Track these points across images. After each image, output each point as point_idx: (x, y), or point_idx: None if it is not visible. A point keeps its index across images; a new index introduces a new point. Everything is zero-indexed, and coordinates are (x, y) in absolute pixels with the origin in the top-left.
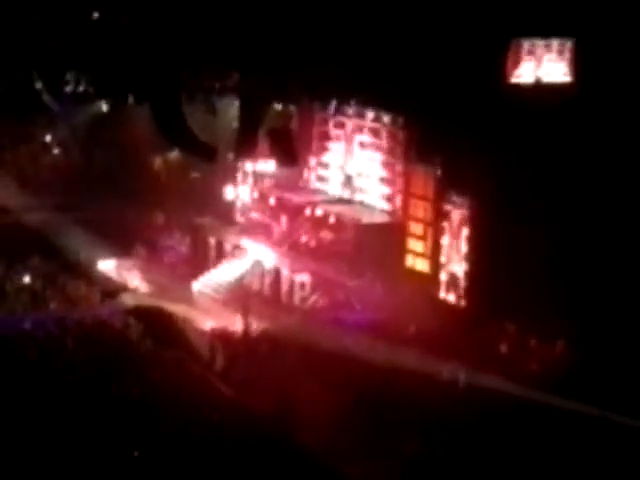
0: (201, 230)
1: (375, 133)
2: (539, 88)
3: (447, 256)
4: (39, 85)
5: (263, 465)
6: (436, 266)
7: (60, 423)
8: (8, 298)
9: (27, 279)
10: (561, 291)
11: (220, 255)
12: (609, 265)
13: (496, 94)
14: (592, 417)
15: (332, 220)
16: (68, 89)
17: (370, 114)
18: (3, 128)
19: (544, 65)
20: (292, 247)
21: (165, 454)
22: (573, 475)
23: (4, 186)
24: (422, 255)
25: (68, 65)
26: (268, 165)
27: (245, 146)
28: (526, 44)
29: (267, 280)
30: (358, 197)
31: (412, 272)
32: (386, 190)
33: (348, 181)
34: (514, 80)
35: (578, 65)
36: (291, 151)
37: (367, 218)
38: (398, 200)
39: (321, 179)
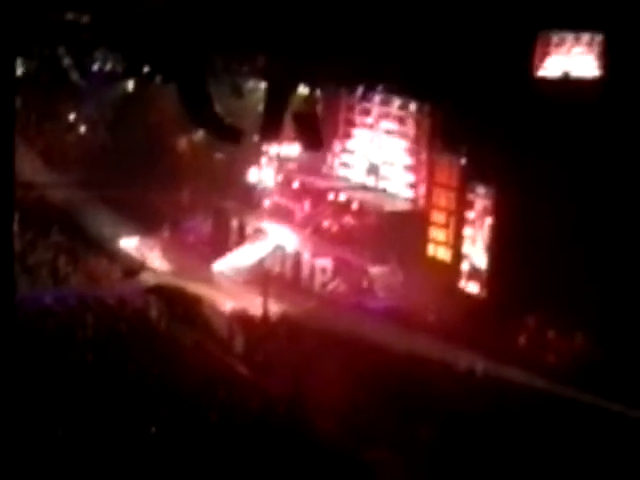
0: (223, 212)
1: (401, 121)
2: (566, 82)
3: (469, 246)
4: (66, 62)
5: (280, 448)
6: (458, 256)
7: (78, 398)
8: (30, 273)
9: (49, 255)
10: (583, 285)
11: (242, 237)
12: (632, 261)
13: (523, 86)
14: (609, 411)
15: (355, 206)
16: (95, 67)
17: (396, 101)
18: (29, 105)
19: (572, 59)
20: (314, 232)
21: (182, 433)
22: (586, 468)
23: (29, 162)
24: (444, 244)
25: (97, 43)
26: (292, 149)
27: (270, 129)
28: (554, 37)
29: (288, 264)
30: (382, 184)
31: (433, 261)
32: (410, 178)
33: (372, 168)
34: (541, 73)
35: (608, 59)
36: (316, 136)
37: (390, 206)
38: (422, 189)
39: (345, 165)
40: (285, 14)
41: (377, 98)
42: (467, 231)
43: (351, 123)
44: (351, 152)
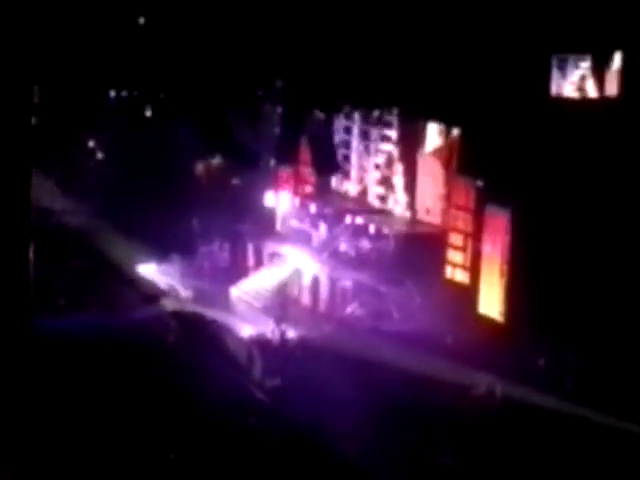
0: (240, 236)
1: (417, 143)
2: (581, 103)
3: (486, 269)
4: (85, 89)
5: (297, 471)
6: (475, 278)
7: (106, 426)
8: (49, 300)
9: (67, 281)
10: (601, 307)
11: (259, 262)
12: None
13: (537, 108)
14: (629, 432)
15: (372, 229)
16: (112, 94)
17: (413, 125)
18: (48, 132)
19: (586, 80)
20: (331, 255)
21: (200, 458)
22: None
23: (48, 189)
24: (461, 266)
25: (114, 70)
26: (309, 172)
27: (286, 153)
28: (568, 59)
29: (306, 288)
30: (399, 207)
31: (451, 283)
32: (427, 201)
33: (389, 190)
34: (555, 94)
35: (622, 80)
36: (332, 159)
37: (407, 228)
38: (439, 211)
39: (362, 188)
40: (303, 39)
41: (394, 121)
42: (484, 253)
43: (364, 147)
44: (367, 175)
